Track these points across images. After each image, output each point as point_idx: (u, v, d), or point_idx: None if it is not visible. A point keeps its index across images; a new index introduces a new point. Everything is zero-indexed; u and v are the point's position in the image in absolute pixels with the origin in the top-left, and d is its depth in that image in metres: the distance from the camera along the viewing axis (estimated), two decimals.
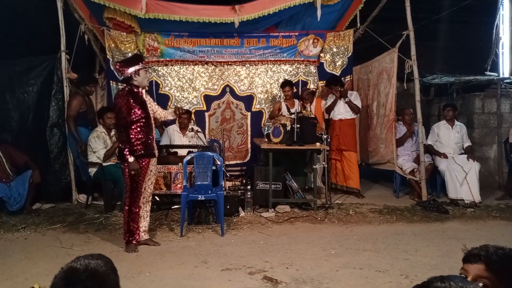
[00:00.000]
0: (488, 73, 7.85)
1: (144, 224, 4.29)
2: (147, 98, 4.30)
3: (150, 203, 4.38)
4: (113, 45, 6.49)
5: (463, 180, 5.89)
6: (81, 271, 1.32)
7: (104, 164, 5.52)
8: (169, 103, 6.82)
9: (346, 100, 6.30)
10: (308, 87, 6.94)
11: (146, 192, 4.26)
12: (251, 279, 3.48)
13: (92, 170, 5.65)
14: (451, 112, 6.44)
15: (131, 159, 4.01)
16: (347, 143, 6.40)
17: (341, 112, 6.39)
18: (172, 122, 6.37)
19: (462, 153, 6.33)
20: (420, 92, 6.30)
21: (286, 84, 6.48)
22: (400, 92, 6.66)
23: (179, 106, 4.74)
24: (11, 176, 5.51)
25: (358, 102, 6.40)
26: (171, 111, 4.58)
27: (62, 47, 5.90)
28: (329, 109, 6.46)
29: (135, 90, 4.14)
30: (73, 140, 5.87)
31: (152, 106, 4.34)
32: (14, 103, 6.00)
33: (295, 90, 6.79)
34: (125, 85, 4.25)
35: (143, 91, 4.28)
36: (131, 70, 4.11)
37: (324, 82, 6.91)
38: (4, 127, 5.99)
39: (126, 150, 4.03)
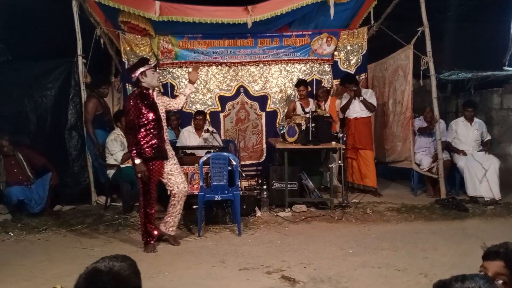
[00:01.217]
0: (506, 68, 7.71)
1: (174, 220, 4.36)
2: (160, 100, 4.32)
3: (183, 203, 4.39)
4: (128, 48, 6.57)
5: (482, 177, 5.80)
6: (105, 273, 1.35)
7: (122, 166, 5.59)
8: (184, 105, 6.84)
9: (361, 98, 6.26)
10: (322, 85, 6.91)
11: (179, 191, 4.29)
12: (268, 279, 3.49)
13: (110, 172, 5.73)
14: (472, 112, 6.35)
15: (137, 161, 4.06)
16: (363, 142, 6.35)
17: (357, 110, 6.34)
18: (187, 123, 6.42)
19: (480, 150, 6.24)
20: (437, 88, 6.23)
21: (301, 83, 6.47)
22: (416, 89, 6.59)
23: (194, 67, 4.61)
24: (31, 178, 5.61)
25: (373, 100, 6.35)
26: (185, 83, 4.48)
27: (79, 51, 5.99)
28: (344, 108, 6.43)
29: (145, 92, 4.19)
30: (91, 142, 5.95)
31: (167, 104, 4.38)
32: (32, 106, 6.10)
33: (309, 89, 6.77)
34: (135, 88, 4.30)
35: (155, 92, 4.32)
36: (137, 72, 4.17)
37: (339, 80, 6.87)
38: (22, 130, 6.09)
39: (133, 152, 4.08)
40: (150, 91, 4.23)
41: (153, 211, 4.22)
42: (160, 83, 4.37)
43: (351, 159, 6.47)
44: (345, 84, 6.40)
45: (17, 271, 3.72)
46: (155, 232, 4.24)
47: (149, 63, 4.32)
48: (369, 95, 6.36)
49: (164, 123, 4.30)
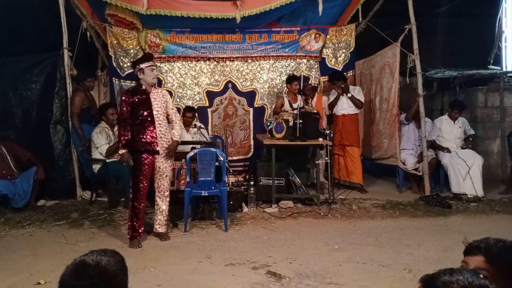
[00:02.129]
0: (491, 67, 7.83)
1: (159, 217, 4.40)
2: (159, 98, 4.30)
3: (168, 198, 4.42)
4: (115, 41, 6.49)
5: (466, 174, 5.89)
6: (92, 267, 1.35)
7: (108, 160, 5.54)
8: (171, 100, 6.82)
9: (349, 95, 6.30)
10: (310, 82, 6.93)
11: (160, 188, 4.35)
12: (254, 274, 3.50)
13: (96, 167, 5.68)
14: (458, 114, 6.43)
15: (121, 151, 4.21)
16: (350, 138, 6.39)
17: (344, 107, 6.38)
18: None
19: (464, 146, 6.34)
20: (423, 86, 6.29)
21: (294, 78, 6.45)
22: (402, 87, 6.64)
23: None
24: (15, 172, 5.53)
25: (361, 97, 6.39)
26: (175, 135, 4.43)
27: (65, 44, 5.90)
28: (332, 104, 6.46)
29: (142, 88, 4.25)
30: (77, 137, 5.90)
31: (167, 107, 4.38)
32: (18, 100, 6.02)
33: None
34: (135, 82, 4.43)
35: (159, 89, 4.35)
36: (136, 68, 4.28)
37: (326, 77, 6.89)
38: (7, 124, 6.00)
39: (120, 142, 4.24)
40: (144, 87, 4.26)
41: (141, 206, 4.24)
42: (156, 80, 4.33)
43: (338, 155, 6.51)
44: (333, 81, 6.43)
45: (3, 266, 3.68)
46: (141, 229, 4.26)
47: (149, 60, 4.31)
48: (356, 91, 6.40)
49: (160, 119, 4.27)
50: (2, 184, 5.30)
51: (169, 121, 4.46)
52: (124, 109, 4.22)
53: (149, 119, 4.21)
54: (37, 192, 5.56)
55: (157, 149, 4.26)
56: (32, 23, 6.49)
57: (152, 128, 4.22)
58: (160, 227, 4.41)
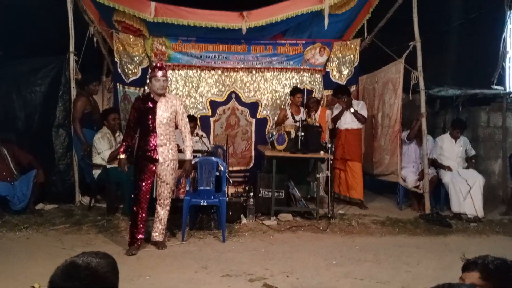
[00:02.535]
0: (494, 86, 7.83)
1: (157, 225, 4.40)
2: (166, 107, 4.28)
3: (168, 207, 4.40)
4: (121, 48, 6.53)
5: (466, 194, 5.85)
6: (82, 268, 1.34)
7: (108, 166, 5.53)
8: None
9: (352, 110, 6.30)
10: (313, 95, 6.95)
11: (160, 196, 4.36)
12: (251, 286, 3.48)
13: (96, 172, 5.67)
14: (459, 134, 6.42)
15: (120, 155, 4.33)
16: (352, 153, 6.38)
17: (348, 121, 6.38)
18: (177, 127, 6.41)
19: (466, 167, 6.32)
20: (426, 104, 6.29)
21: (298, 91, 6.45)
22: (405, 104, 6.65)
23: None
24: (15, 175, 5.53)
25: (364, 112, 6.39)
26: (187, 153, 4.42)
27: (71, 48, 5.92)
28: (336, 118, 6.46)
29: (151, 96, 4.30)
30: (78, 141, 5.89)
31: (176, 117, 4.36)
32: (21, 103, 6.04)
33: None
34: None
35: (166, 98, 4.32)
36: (148, 78, 4.38)
37: (330, 91, 6.92)
38: (9, 126, 6.02)
39: (121, 147, 4.37)
40: (153, 95, 4.29)
41: (139, 212, 4.23)
42: (163, 91, 4.34)
43: (339, 170, 6.50)
44: (337, 95, 6.43)
45: None
46: (138, 236, 4.24)
47: (159, 70, 4.27)
48: (360, 106, 6.40)
49: (162, 129, 4.25)
50: (1, 186, 5.29)
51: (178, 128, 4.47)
52: (132, 115, 4.33)
53: (151, 127, 4.24)
54: (36, 195, 5.53)
55: (156, 157, 4.26)
56: (38, 26, 6.56)
57: (153, 137, 4.24)
58: (157, 236, 4.39)
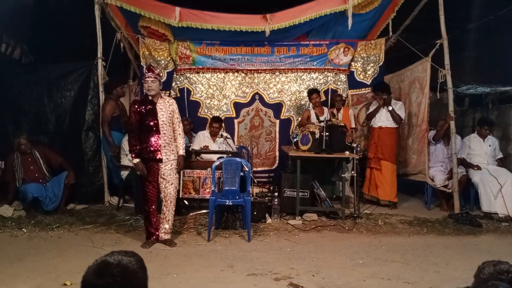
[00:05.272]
0: None
1: (165, 226, 4.51)
2: (165, 108, 4.40)
3: (173, 206, 4.50)
4: (147, 52, 6.67)
5: (497, 193, 5.70)
6: (114, 266, 1.39)
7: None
8: (199, 110, 6.95)
9: (390, 108, 6.22)
10: (338, 93, 6.92)
11: (166, 196, 4.46)
12: (276, 285, 3.48)
13: (124, 173, 5.80)
14: (487, 131, 6.27)
15: (135, 160, 4.39)
16: (385, 152, 6.27)
17: (382, 119, 6.30)
18: (202, 128, 6.51)
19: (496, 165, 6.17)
20: (454, 102, 6.16)
21: (313, 91, 6.49)
22: (432, 102, 6.53)
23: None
24: (47, 176, 5.72)
25: (401, 113, 6.27)
26: (180, 149, 4.52)
27: (99, 54, 6.09)
28: (371, 115, 6.40)
29: (149, 98, 4.41)
30: (107, 144, 6.04)
31: (173, 117, 4.47)
32: (52, 107, 6.26)
33: (324, 98, 6.78)
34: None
35: (163, 99, 4.44)
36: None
37: (354, 91, 6.89)
38: (41, 129, 6.24)
39: (132, 153, 4.44)
40: (150, 97, 4.40)
41: (150, 209, 4.42)
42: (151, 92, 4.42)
43: (371, 169, 6.40)
44: (377, 91, 6.36)
45: (32, 267, 3.79)
46: (151, 231, 4.45)
47: (147, 72, 4.42)
48: (398, 106, 6.30)
49: (164, 129, 4.38)
50: (34, 187, 5.48)
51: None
52: (133, 118, 4.41)
53: (154, 128, 4.36)
54: (67, 196, 5.71)
55: (160, 157, 4.38)
56: (68, 33, 6.77)
57: (157, 137, 4.37)
58: (165, 235, 4.51)
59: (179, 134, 4.53)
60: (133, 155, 4.40)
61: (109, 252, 1.48)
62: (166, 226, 4.50)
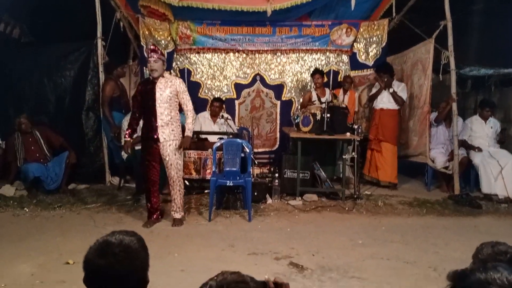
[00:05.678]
0: None
1: (172, 204, 4.57)
2: (165, 87, 4.36)
3: (178, 186, 4.49)
4: (147, 32, 6.59)
5: (498, 174, 5.71)
6: (115, 245, 1.40)
7: (137, 147, 5.64)
8: (200, 91, 6.90)
9: (391, 90, 6.18)
10: (340, 76, 6.87)
11: (169, 177, 4.49)
12: (277, 264, 3.52)
13: (125, 154, 5.78)
14: (489, 112, 6.24)
15: (125, 138, 4.57)
16: (386, 134, 6.26)
17: (384, 101, 6.26)
18: (203, 109, 6.48)
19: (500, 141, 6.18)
20: (457, 84, 6.12)
21: (316, 72, 6.44)
22: (434, 84, 6.47)
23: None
24: (48, 156, 5.72)
25: (403, 94, 6.23)
26: (189, 128, 4.47)
27: (98, 34, 6.01)
28: (373, 97, 6.36)
29: (150, 79, 4.44)
30: (107, 124, 6.03)
31: (179, 97, 4.44)
32: (52, 87, 6.21)
33: (326, 79, 6.73)
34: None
35: (164, 79, 4.40)
36: None
37: (356, 71, 6.83)
38: (41, 109, 6.21)
39: (126, 131, 4.57)
40: (152, 78, 4.40)
41: (151, 189, 4.48)
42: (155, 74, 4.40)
43: (372, 150, 6.40)
44: (379, 72, 6.30)
45: (34, 246, 3.83)
46: (152, 210, 4.53)
47: (149, 53, 4.44)
48: (400, 88, 6.25)
49: (162, 109, 4.35)
50: (35, 167, 5.49)
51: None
52: (135, 99, 4.56)
53: (151, 107, 4.37)
54: (68, 176, 5.73)
55: (157, 137, 4.38)
56: (67, 13, 6.65)
57: (153, 118, 4.37)
58: (174, 213, 4.56)
59: (188, 113, 4.45)
60: (126, 134, 4.54)
61: (110, 231, 1.48)
62: (173, 204, 4.55)
